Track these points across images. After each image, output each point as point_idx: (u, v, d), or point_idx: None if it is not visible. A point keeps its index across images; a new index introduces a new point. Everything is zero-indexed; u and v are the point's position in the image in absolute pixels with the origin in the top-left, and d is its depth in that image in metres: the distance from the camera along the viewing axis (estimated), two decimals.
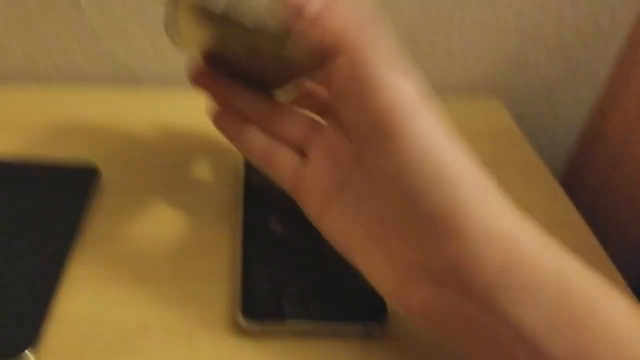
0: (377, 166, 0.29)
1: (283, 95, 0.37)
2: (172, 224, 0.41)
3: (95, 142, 0.47)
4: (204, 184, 0.45)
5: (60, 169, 0.43)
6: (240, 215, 0.40)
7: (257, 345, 0.34)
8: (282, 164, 0.35)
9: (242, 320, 0.34)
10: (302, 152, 0.35)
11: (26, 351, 0.31)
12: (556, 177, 0.52)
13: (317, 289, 0.36)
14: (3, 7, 0.53)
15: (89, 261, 0.38)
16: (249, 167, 0.44)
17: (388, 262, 0.30)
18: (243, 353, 0.34)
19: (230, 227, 0.41)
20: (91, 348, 0.33)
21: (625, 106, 0.51)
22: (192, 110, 0.47)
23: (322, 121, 0.35)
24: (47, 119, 0.49)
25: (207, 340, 0.34)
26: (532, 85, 0.64)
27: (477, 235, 0.27)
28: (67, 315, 0.35)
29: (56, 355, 0.33)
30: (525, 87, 0.64)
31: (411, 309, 0.30)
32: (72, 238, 0.38)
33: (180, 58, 0.53)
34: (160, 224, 0.41)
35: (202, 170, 0.46)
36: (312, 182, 0.33)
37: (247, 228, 0.40)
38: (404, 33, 0.58)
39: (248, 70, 0.35)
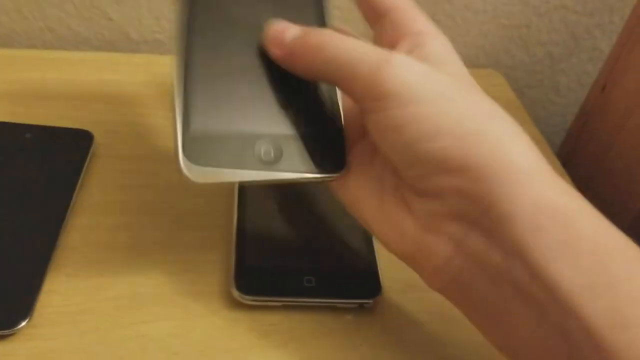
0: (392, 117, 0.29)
1: None
2: (167, 192, 0.41)
3: (90, 107, 0.47)
4: None
5: (54, 133, 0.42)
6: (236, 187, 0.40)
7: (251, 318, 0.35)
8: None
9: (235, 293, 0.34)
10: None
11: (23, 323, 0.31)
12: (554, 150, 0.51)
13: (312, 265, 0.36)
14: None
15: (83, 229, 0.38)
16: None
17: (409, 217, 0.29)
18: (236, 325, 0.34)
19: (226, 198, 0.41)
20: (86, 319, 0.33)
21: (626, 80, 0.51)
22: None
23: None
24: (41, 83, 0.48)
25: (200, 311, 0.35)
26: (533, 58, 0.63)
27: (512, 176, 0.26)
28: (62, 286, 0.35)
29: (52, 326, 0.33)
30: (527, 59, 0.63)
31: (432, 268, 0.29)
32: (65, 205, 0.38)
33: None
34: (154, 192, 0.41)
35: None
36: None
37: (243, 200, 0.39)
38: None
39: None
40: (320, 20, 0.34)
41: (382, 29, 0.33)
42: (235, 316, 0.35)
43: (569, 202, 0.27)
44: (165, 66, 0.52)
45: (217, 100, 0.31)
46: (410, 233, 0.29)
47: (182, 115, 0.29)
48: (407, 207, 0.30)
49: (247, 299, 0.34)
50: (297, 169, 0.31)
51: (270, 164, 0.30)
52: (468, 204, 0.27)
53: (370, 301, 0.35)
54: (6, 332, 0.31)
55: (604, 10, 0.60)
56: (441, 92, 0.28)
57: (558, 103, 0.66)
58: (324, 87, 0.33)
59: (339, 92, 0.33)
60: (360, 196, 0.32)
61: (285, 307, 0.35)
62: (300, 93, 0.32)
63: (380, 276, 0.37)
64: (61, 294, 0.34)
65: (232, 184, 0.31)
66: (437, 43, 0.31)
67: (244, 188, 0.40)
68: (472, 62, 0.62)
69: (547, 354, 0.26)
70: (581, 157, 0.55)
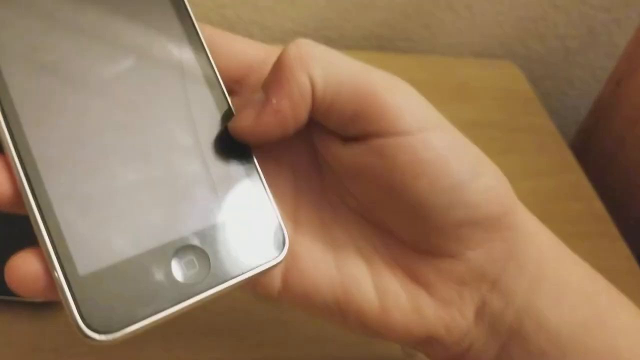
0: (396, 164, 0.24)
1: None
2: None
3: None
4: None
5: None
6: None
7: None
8: None
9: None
10: None
11: None
12: (567, 142, 0.52)
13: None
14: None
15: None
16: None
17: (421, 291, 0.26)
18: None
19: None
20: None
21: None
22: None
23: None
24: None
25: None
26: (549, 50, 0.63)
27: (528, 224, 0.26)
28: None
29: None
30: (542, 51, 0.63)
31: (450, 344, 0.26)
32: None
33: None
34: None
35: None
36: None
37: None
38: None
39: None
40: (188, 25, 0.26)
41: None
42: None
43: (553, 243, 0.27)
44: None
45: (98, 215, 0.22)
46: (429, 310, 0.25)
47: (58, 255, 0.20)
48: (411, 277, 0.26)
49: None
50: (231, 273, 0.23)
51: (197, 281, 0.22)
52: (492, 258, 0.25)
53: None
54: (39, 300, 0.31)
55: (621, 5, 0.60)
56: (448, 121, 0.26)
57: (572, 96, 0.67)
58: (228, 147, 0.25)
59: (254, 156, 0.25)
60: (346, 280, 0.25)
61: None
62: (201, 164, 0.24)
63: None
64: None
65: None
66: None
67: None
68: (487, 53, 0.62)
69: None
70: (595, 150, 0.55)
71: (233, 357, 0.33)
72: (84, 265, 0.21)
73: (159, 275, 0.22)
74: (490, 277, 0.25)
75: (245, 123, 0.24)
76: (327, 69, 0.24)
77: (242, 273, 0.23)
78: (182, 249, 0.22)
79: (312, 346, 0.34)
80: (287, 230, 0.25)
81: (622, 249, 0.43)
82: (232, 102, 0.26)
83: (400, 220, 0.25)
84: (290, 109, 0.23)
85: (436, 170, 0.24)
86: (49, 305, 0.32)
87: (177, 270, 0.22)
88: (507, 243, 0.25)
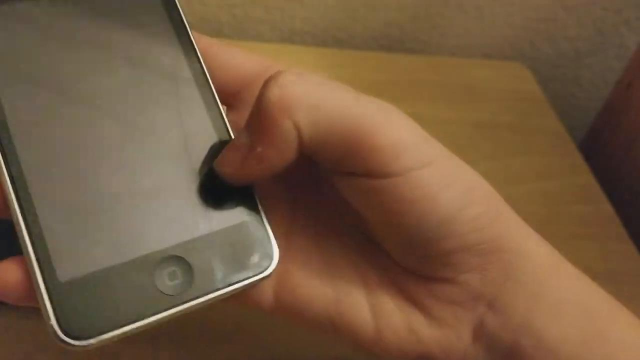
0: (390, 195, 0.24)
1: None
2: None
3: None
4: None
5: None
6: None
7: None
8: None
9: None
10: None
11: None
12: (576, 144, 0.52)
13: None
14: None
15: None
16: None
17: (416, 313, 0.25)
18: None
19: None
20: None
21: None
22: None
23: None
24: None
25: None
26: (558, 52, 0.63)
27: (525, 242, 0.26)
28: None
29: None
30: (552, 53, 0.63)
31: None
32: None
33: None
34: None
35: None
36: None
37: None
38: None
39: None
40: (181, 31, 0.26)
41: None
42: None
43: (551, 257, 0.27)
44: None
45: (82, 224, 0.22)
46: (424, 331, 0.25)
47: (39, 262, 0.21)
48: (407, 298, 0.26)
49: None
50: (215, 285, 0.23)
51: (179, 292, 0.22)
52: (487, 280, 0.25)
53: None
54: None
55: (632, 7, 0.60)
56: (446, 151, 0.25)
57: (581, 97, 0.67)
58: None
59: None
60: (334, 289, 0.25)
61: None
62: (190, 177, 0.24)
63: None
64: None
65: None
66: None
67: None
68: (497, 54, 0.62)
69: None
70: (604, 152, 0.55)
71: (239, 358, 0.33)
72: (64, 272, 0.21)
73: (139, 285, 0.22)
74: (487, 298, 0.25)
75: (229, 169, 0.24)
76: (313, 112, 0.23)
77: (226, 286, 0.23)
78: (165, 259, 0.22)
79: (319, 346, 0.34)
80: (276, 245, 0.24)
81: (631, 251, 0.43)
82: (226, 115, 0.26)
83: (393, 245, 0.25)
84: (276, 157, 0.23)
85: (423, 208, 0.23)
86: None
87: (159, 281, 0.22)
88: (502, 264, 0.25)
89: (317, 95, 0.23)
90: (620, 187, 0.51)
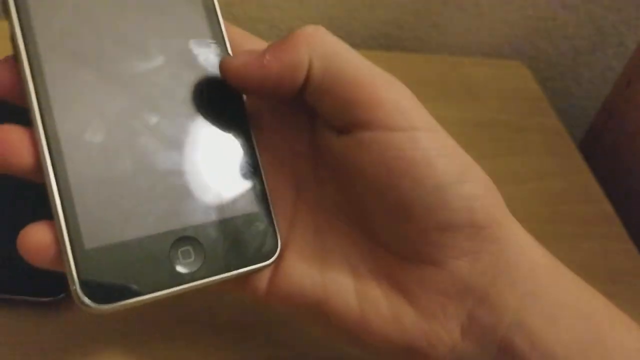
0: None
1: None
2: None
3: None
4: None
5: None
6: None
7: None
8: None
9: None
10: None
11: (63, 294, 0.32)
12: (575, 143, 0.52)
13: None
14: None
15: None
16: None
17: (404, 304, 0.25)
18: None
19: None
20: None
21: None
22: None
23: None
24: None
25: None
26: (557, 50, 0.63)
27: (518, 236, 0.26)
28: None
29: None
30: (551, 51, 0.63)
31: None
32: None
33: None
34: None
35: None
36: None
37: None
38: None
39: None
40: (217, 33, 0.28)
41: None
42: None
43: (547, 260, 0.26)
44: None
45: (109, 197, 0.23)
46: (410, 320, 0.25)
47: (69, 228, 0.22)
48: (394, 286, 0.26)
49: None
50: (223, 268, 0.25)
51: (191, 270, 0.24)
52: (478, 270, 0.25)
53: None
54: (46, 300, 0.32)
55: (631, 6, 0.60)
56: (443, 131, 0.26)
57: (580, 96, 0.67)
58: (237, 151, 0.26)
59: (259, 157, 0.27)
60: (323, 275, 0.26)
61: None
62: (210, 164, 0.26)
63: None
64: None
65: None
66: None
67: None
68: (496, 52, 0.62)
69: None
70: (603, 151, 0.55)
71: (239, 356, 0.33)
72: (91, 240, 0.22)
73: (156, 260, 0.23)
74: (477, 292, 0.25)
75: (232, 64, 0.26)
76: (331, 56, 0.24)
77: (233, 269, 0.25)
78: (182, 239, 0.24)
79: (318, 346, 0.33)
80: (281, 236, 0.26)
81: (631, 250, 0.43)
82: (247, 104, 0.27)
83: (385, 221, 0.25)
84: (276, 71, 0.24)
85: (421, 170, 0.24)
86: (55, 304, 0.32)
87: (174, 257, 0.24)
88: (494, 257, 0.25)
89: (341, 47, 0.25)
90: (620, 187, 0.51)
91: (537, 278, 0.25)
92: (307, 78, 0.25)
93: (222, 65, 0.26)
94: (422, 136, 0.24)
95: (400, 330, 0.25)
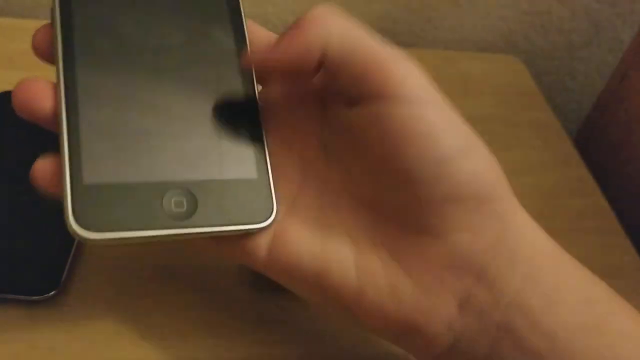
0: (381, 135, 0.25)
1: None
2: None
3: None
4: None
5: None
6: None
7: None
8: None
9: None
10: None
11: (52, 292, 0.32)
12: (570, 137, 0.51)
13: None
14: None
15: None
16: None
17: (402, 276, 0.26)
18: None
19: None
20: (116, 290, 0.34)
21: None
22: None
23: None
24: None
25: None
26: (552, 45, 0.63)
27: (519, 215, 0.26)
28: (92, 257, 0.35)
29: (81, 295, 0.33)
30: (546, 46, 0.63)
31: (430, 337, 0.26)
32: None
33: None
34: None
35: None
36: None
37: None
38: None
39: None
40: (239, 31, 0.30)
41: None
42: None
43: (551, 241, 0.27)
44: None
45: (114, 143, 0.26)
46: (408, 294, 0.25)
47: (71, 163, 0.25)
48: (394, 257, 0.26)
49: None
50: (213, 222, 0.26)
51: (182, 218, 0.25)
52: (478, 246, 0.25)
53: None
54: (36, 298, 0.32)
55: (626, 0, 0.60)
56: (451, 107, 0.26)
57: (575, 91, 0.66)
58: (243, 121, 0.28)
59: (263, 129, 0.28)
60: (323, 246, 0.26)
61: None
62: (215, 130, 0.28)
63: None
64: (91, 264, 0.34)
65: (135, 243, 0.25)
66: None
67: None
68: (490, 46, 0.62)
69: None
70: (598, 146, 0.55)
71: (232, 354, 0.32)
72: (90, 176, 0.25)
73: (149, 204, 0.25)
74: (476, 269, 0.25)
75: (255, 55, 0.27)
76: (346, 31, 0.26)
77: (222, 225, 0.26)
78: (177, 188, 0.26)
79: (312, 344, 0.33)
80: (277, 204, 0.27)
81: (626, 244, 0.43)
82: (258, 91, 0.29)
83: (389, 192, 0.26)
84: (297, 49, 0.26)
85: (426, 141, 0.24)
86: (45, 303, 0.32)
87: (167, 204, 0.25)
88: (495, 234, 0.25)
89: (353, 24, 0.26)
90: (614, 181, 0.51)
91: (539, 261, 0.26)
92: (323, 57, 0.26)
93: (244, 55, 0.28)
94: (430, 109, 0.25)
95: (396, 303, 0.25)
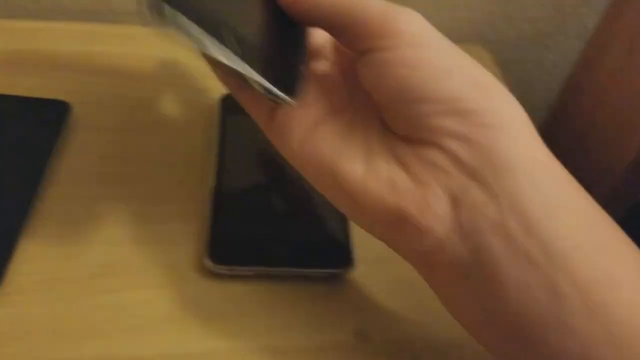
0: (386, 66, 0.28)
1: None
2: (143, 164, 0.41)
3: (69, 78, 0.46)
4: (177, 125, 0.44)
5: (31, 103, 0.42)
6: (214, 159, 0.40)
7: (222, 287, 0.35)
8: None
9: (208, 263, 0.34)
10: None
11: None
12: (536, 126, 0.51)
13: (285, 235, 0.37)
14: None
15: (58, 198, 0.38)
16: (225, 109, 0.43)
17: (401, 170, 0.28)
18: (207, 294, 0.34)
19: (201, 170, 0.41)
20: (56, 287, 0.33)
21: (610, 57, 0.50)
22: (170, 48, 0.46)
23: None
24: (19, 54, 0.48)
25: (172, 280, 0.35)
26: (519, 33, 0.63)
27: (515, 128, 0.27)
28: (34, 254, 0.35)
29: (23, 293, 0.33)
30: (513, 34, 0.63)
31: (423, 228, 0.27)
32: (40, 175, 0.38)
33: None
34: (130, 164, 0.41)
35: (177, 110, 0.45)
36: (297, 112, 0.31)
37: (219, 171, 0.39)
38: None
39: None
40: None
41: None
42: (206, 285, 0.35)
43: (557, 163, 0.28)
44: (146, 37, 0.52)
45: None
46: (403, 185, 0.28)
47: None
48: (397, 161, 0.28)
49: (220, 268, 0.34)
50: (249, 67, 0.28)
51: (237, 53, 0.27)
52: (470, 151, 0.26)
53: (342, 270, 0.36)
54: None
55: None
56: (450, 45, 0.29)
57: (542, 79, 0.66)
58: (292, 28, 0.31)
59: (306, 39, 0.31)
60: (343, 146, 0.30)
61: (258, 277, 0.35)
62: (270, 14, 0.30)
63: (353, 247, 0.37)
64: (34, 262, 0.34)
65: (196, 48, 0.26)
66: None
67: (223, 157, 0.40)
68: (457, 36, 0.61)
69: (533, 302, 0.26)
70: (564, 134, 0.55)
71: (232, 345, 0.32)
72: None
73: (215, 22, 0.27)
74: (469, 169, 0.26)
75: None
76: None
77: (256, 75, 0.28)
78: (234, 32, 0.27)
79: (302, 336, 0.33)
80: (301, 92, 0.30)
81: None
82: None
83: (396, 108, 0.28)
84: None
85: (429, 74, 0.27)
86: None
87: (227, 35, 0.27)
88: (488, 142, 0.26)
89: None
90: (582, 167, 0.51)
91: (538, 173, 0.27)
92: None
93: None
94: (433, 52, 0.28)
95: (393, 193, 0.28)
